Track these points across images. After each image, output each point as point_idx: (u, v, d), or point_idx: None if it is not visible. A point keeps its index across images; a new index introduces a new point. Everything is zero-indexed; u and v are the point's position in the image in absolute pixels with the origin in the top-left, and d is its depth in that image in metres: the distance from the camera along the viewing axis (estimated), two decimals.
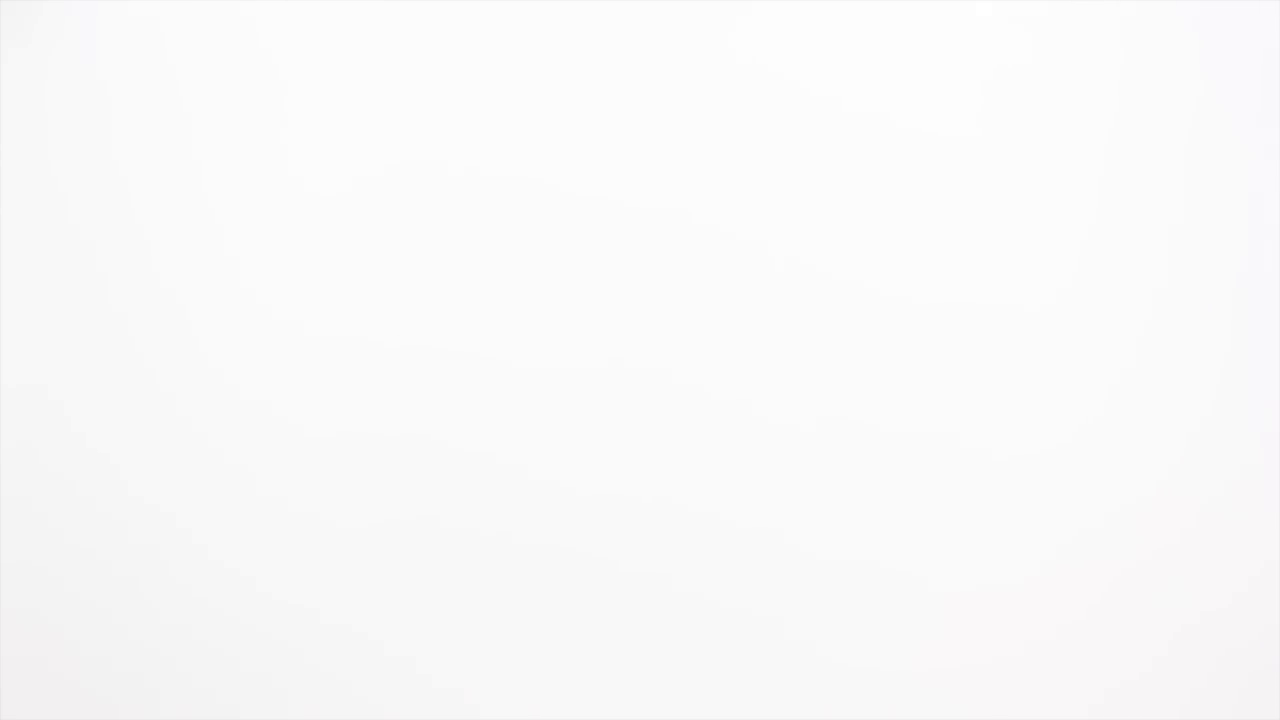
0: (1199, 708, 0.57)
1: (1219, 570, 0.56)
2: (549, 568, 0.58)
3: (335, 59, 0.52)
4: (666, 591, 0.57)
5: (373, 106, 0.53)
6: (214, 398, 0.56)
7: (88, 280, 0.55)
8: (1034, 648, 0.57)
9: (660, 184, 0.55)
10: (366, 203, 0.54)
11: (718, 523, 0.57)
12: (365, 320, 0.55)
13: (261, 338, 0.56)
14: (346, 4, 0.52)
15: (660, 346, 0.56)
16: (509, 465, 0.57)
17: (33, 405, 0.57)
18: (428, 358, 0.55)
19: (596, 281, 0.57)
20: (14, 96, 0.53)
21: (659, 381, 0.56)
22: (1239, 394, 0.54)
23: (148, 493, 0.58)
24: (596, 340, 0.57)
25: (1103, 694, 0.57)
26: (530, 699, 0.59)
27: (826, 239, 0.54)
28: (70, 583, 0.59)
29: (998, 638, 0.57)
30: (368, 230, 0.54)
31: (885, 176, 0.53)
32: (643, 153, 0.54)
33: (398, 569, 0.58)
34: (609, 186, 0.55)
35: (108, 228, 0.55)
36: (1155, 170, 0.52)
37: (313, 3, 0.52)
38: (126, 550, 0.59)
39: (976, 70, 0.51)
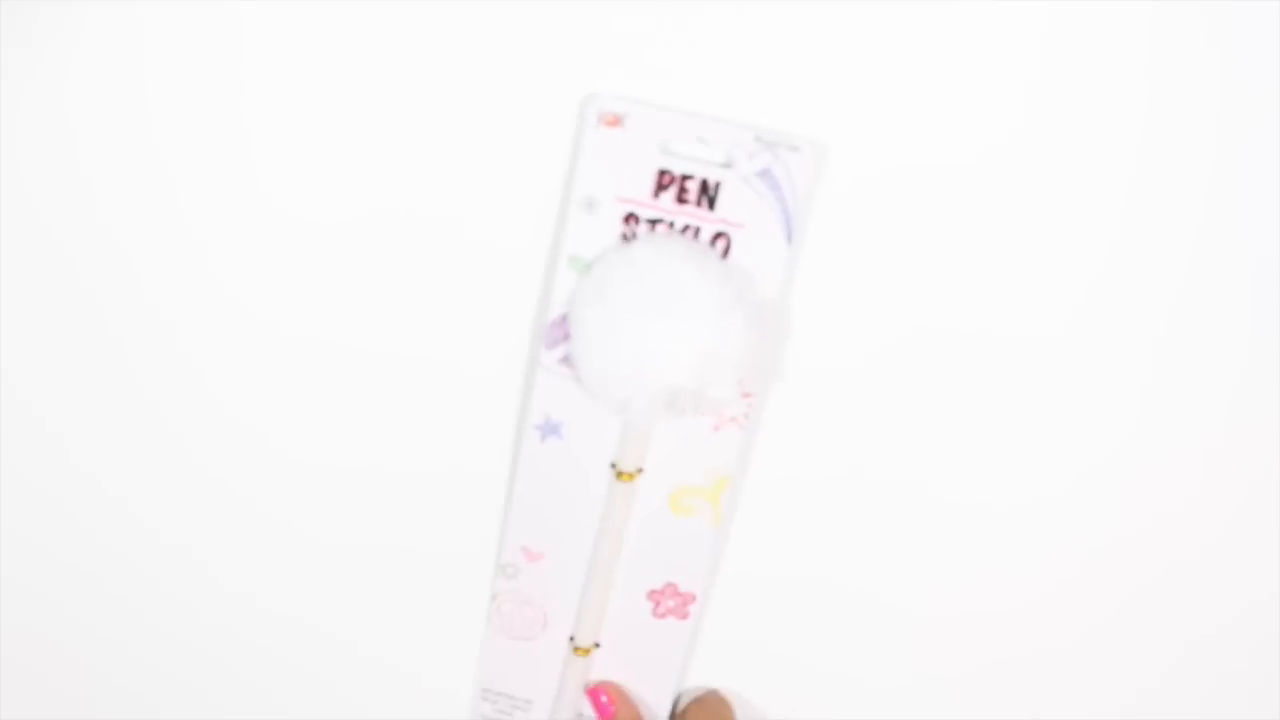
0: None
1: (1228, 590, 0.56)
2: None
3: (321, 69, 0.51)
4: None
5: (364, 111, 0.52)
6: (203, 413, 0.56)
7: (73, 294, 0.54)
8: (1044, 660, 0.58)
9: None
10: (361, 218, 0.53)
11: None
12: (356, 333, 0.54)
13: (250, 350, 0.55)
14: (337, 19, 0.50)
15: None
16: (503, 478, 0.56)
17: (17, 420, 0.56)
18: (421, 370, 0.55)
19: None
20: None
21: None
22: (1255, 414, 0.54)
23: (139, 509, 0.57)
24: None
25: (1111, 706, 0.58)
26: None
27: (821, 246, 0.53)
28: (58, 598, 0.59)
29: (1010, 652, 0.58)
30: (362, 244, 0.53)
31: (887, 188, 0.52)
32: None
33: (396, 580, 0.58)
34: None
35: (90, 238, 0.53)
36: (1175, 188, 0.51)
37: (304, 14, 0.50)
38: (118, 565, 0.58)
39: (984, 80, 0.50)
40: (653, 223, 0.51)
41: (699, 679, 0.58)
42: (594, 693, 0.56)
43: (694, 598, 0.55)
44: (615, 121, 0.50)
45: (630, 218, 0.51)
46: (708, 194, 0.50)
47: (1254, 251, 0.52)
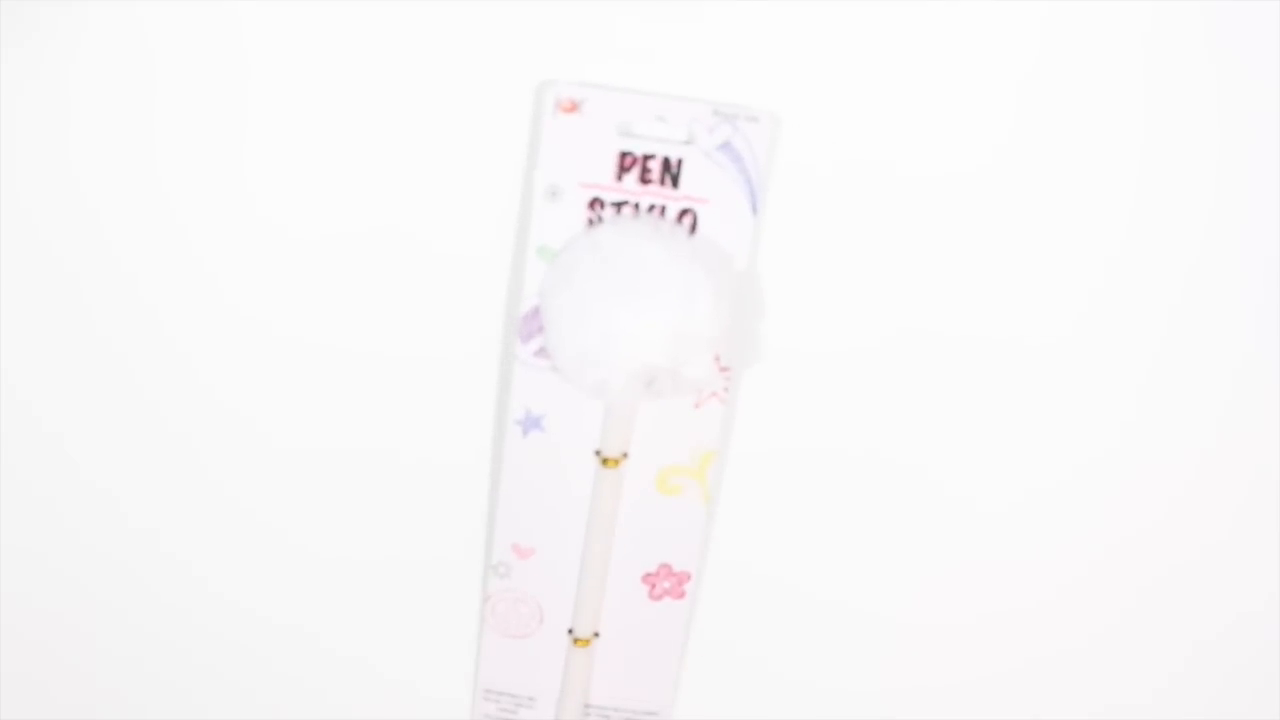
0: None
1: (1230, 592, 0.57)
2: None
3: (320, 70, 0.51)
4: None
5: (317, 117, 0.51)
6: (201, 412, 0.55)
7: (70, 294, 0.53)
8: (1046, 665, 0.58)
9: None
10: (321, 228, 0.52)
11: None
12: (322, 342, 0.54)
13: (247, 349, 0.54)
14: (337, 23, 0.50)
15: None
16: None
17: (14, 421, 0.55)
18: (396, 372, 0.54)
19: None
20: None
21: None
22: (1254, 418, 0.54)
23: (126, 511, 0.56)
24: None
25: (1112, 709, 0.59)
26: None
27: (815, 253, 0.53)
28: (52, 598, 0.58)
29: (1011, 657, 0.58)
30: (325, 252, 0.53)
31: (886, 195, 0.52)
32: None
33: (383, 583, 0.57)
34: None
35: (85, 238, 0.52)
36: (1178, 196, 0.52)
37: (303, 16, 0.50)
38: (108, 569, 0.57)
39: (986, 81, 0.51)
40: (618, 205, 0.51)
41: (699, 658, 0.57)
42: None
43: (689, 576, 0.55)
44: (573, 107, 0.50)
45: (595, 203, 0.50)
46: (670, 172, 0.50)
47: (1243, 236, 0.52)
